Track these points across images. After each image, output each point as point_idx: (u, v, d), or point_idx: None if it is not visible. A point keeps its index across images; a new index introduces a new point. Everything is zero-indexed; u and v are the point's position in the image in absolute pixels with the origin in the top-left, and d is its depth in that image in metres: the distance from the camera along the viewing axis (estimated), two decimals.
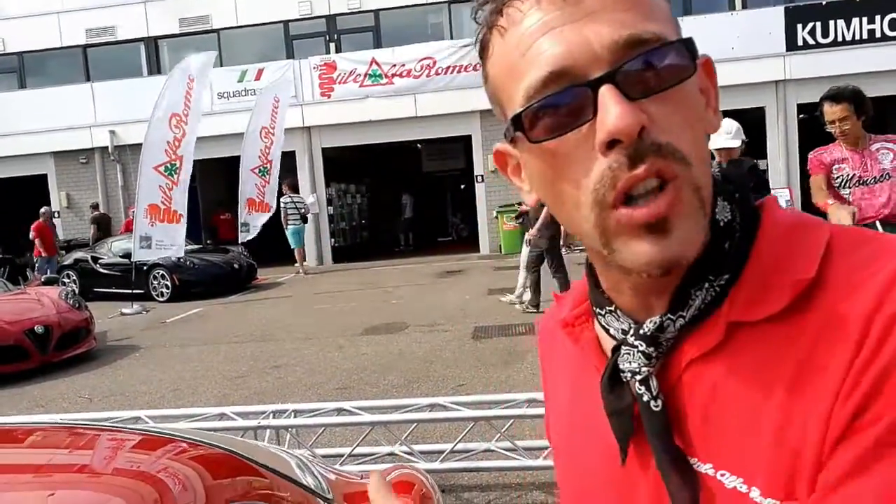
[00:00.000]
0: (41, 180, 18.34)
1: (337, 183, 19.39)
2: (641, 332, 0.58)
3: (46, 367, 7.70)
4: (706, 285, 0.56)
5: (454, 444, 3.81)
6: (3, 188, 17.76)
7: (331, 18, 17.52)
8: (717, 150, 4.14)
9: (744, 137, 4.63)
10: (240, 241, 13.97)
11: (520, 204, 16.18)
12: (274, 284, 14.15)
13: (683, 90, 0.53)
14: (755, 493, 0.52)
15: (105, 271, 13.40)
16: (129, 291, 12.02)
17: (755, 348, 0.54)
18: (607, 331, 0.63)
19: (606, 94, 0.51)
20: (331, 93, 16.83)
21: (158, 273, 12.65)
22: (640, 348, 0.58)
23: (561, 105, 0.53)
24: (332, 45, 17.53)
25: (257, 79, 16.69)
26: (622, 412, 0.59)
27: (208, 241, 14.81)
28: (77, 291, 10.86)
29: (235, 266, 13.46)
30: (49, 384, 7.22)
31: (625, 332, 0.60)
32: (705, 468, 0.55)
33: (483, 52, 0.60)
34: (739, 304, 0.55)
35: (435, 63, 16.26)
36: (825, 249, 0.54)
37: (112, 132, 17.60)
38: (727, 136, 4.18)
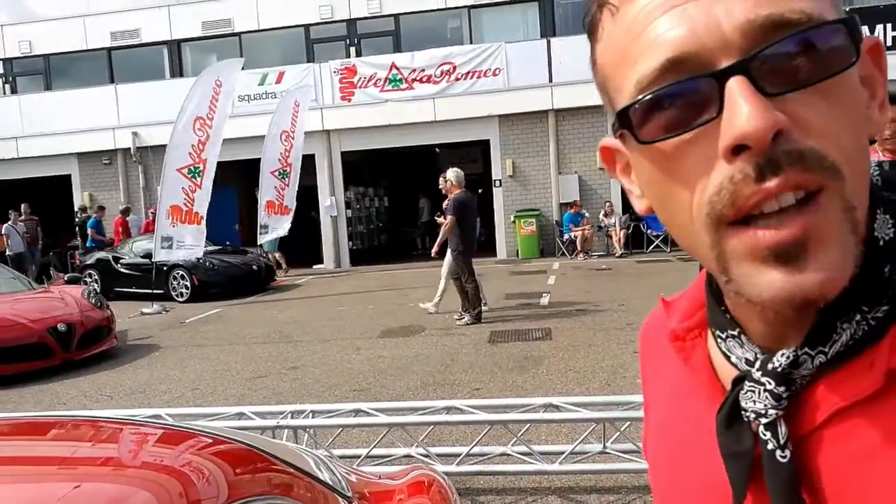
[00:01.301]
0: (65, 180, 18.63)
1: (355, 186, 19.49)
2: (770, 366, 0.48)
3: (69, 364, 7.82)
4: (858, 317, 0.46)
5: (470, 447, 3.82)
6: (28, 188, 18.05)
7: (351, 22, 17.64)
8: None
9: None
10: (258, 243, 14.09)
11: (531, 210, 16.15)
12: (292, 286, 14.24)
13: (841, 82, 0.43)
14: None
15: (126, 271, 13.58)
16: (150, 291, 12.16)
17: None
18: (727, 357, 0.53)
19: (736, 87, 0.42)
20: (351, 97, 16.93)
21: (178, 273, 12.79)
22: (769, 386, 0.48)
23: (678, 99, 0.44)
24: (353, 49, 17.65)
25: (278, 82, 16.84)
26: (741, 456, 0.50)
27: (227, 243, 14.96)
28: (98, 290, 11.01)
29: (254, 267, 13.58)
30: (71, 381, 7.33)
31: (749, 363, 0.50)
32: None
33: (591, 34, 0.51)
34: None
35: (455, 68, 16.31)
36: None
37: (135, 133, 17.84)
38: None
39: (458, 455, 3.82)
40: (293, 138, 14.31)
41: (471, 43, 16.80)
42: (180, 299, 12.73)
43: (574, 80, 14.66)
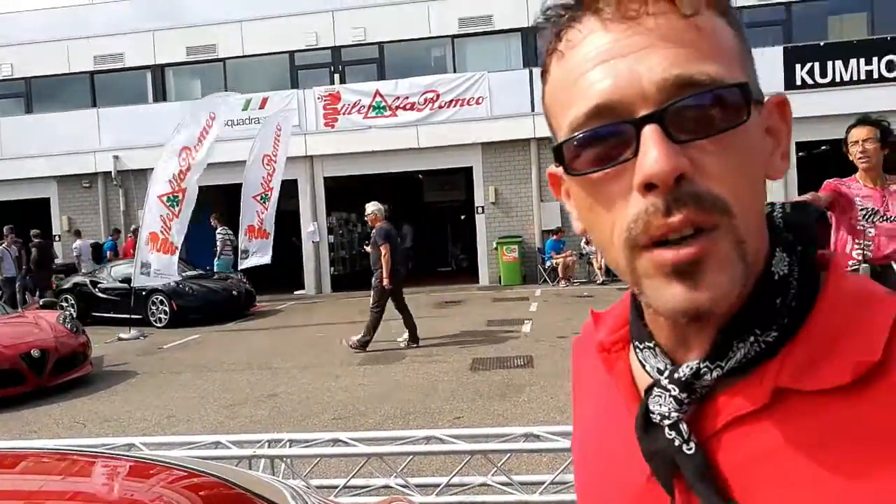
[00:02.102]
0: (43, 204, 18.41)
1: (338, 211, 19.46)
2: (676, 375, 0.56)
3: (41, 391, 7.65)
4: (751, 339, 0.54)
5: (450, 477, 3.77)
6: (4, 211, 17.82)
7: (336, 50, 17.77)
8: None
9: None
10: (239, 269, 13.98)
11: (517, 237, 16.23)
12: (272, 312, 14.11)
13: (740, 134, 0.51)
14: None
15: (104, 296, 13.39)
16: (128, 316, 11.99)
17: (809, 419, 0.51)
18: (643, 365, 0.61)
19: (649, 134, 0.49)
20: (334, 123, 16.99)
21: (157, 298, 12.64)
22: (673, 392, 0.56)
23: (603, 139, 0.52)
24: (337, 76, 17.75)
25: (262, 107, 16.85)
26: (659, 454, 0.57)
27: (207, 268, 14.83)
28: (75, 315, 10.84)
29: (234, 293, 13.45)
30: (43, 409, 7.17)
31: (660, 372, 0.58)
32: None
33: (543, 75, 0.58)
34: (791, 371, 0.53)
35: (438, 96, 16.45)
36: (892, 327, 0.51)
37: (116, 157, 17.72)
38: None
39: (438, 485, 3.77)
40: (275, 162, 14.30)
41: (454, 71, 16.98)
42: (159, 325, 12.55)
43: None
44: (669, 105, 0.50)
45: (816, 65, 15.46)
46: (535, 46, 16.97)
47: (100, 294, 13.46)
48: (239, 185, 13.97)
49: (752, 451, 0.53)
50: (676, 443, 0.55)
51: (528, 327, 10.19)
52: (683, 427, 0.55)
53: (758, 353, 0.54)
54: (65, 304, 13.27)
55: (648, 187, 0.50)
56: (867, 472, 0.48)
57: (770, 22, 16.53)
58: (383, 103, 16.70)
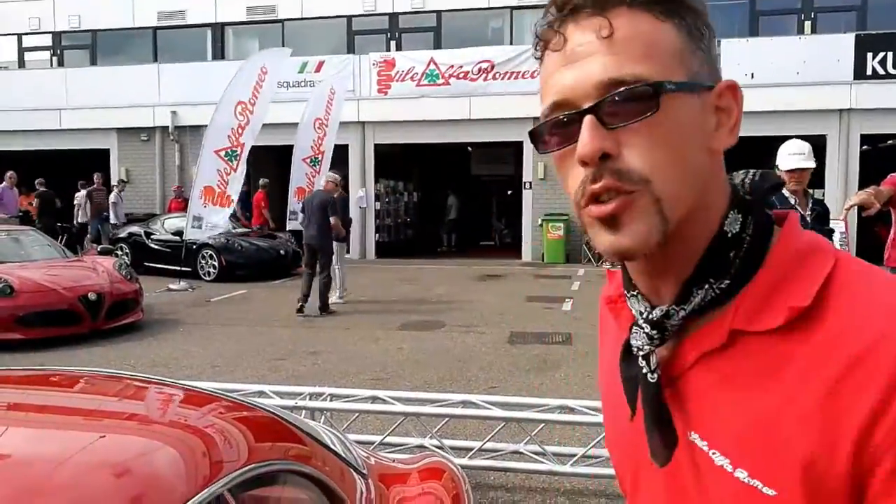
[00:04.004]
0: (103, 155, 18.98)
1: (385, 179, 19.57)
2: (650, 317, 0.70)
3: (96, 333, 8.00)
4: (706, 286, 0.67)
5: (484, 442, 3.85)
6: (66, 160, 18.44)
7: (393, 16, 17.72)
8: (790, 171, 3.99)
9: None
10: (288, 228, 14.22)
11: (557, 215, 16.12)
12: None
13: (664, 120, 0.63)
14: (741, 474, 0.63)
15: (156, 247, 13.81)
16: (178, 268, 12.36)
17: (756, 356, 0.64)
18: (631, 309, 0.74)
19: (585, 123, 0.64)
20: (388, 90, 17.00)
21: (207, 253, 12.98)
22: (646, 330, 0.70)
23: (560, 126, 0.67)
24: (393, 43, 17.72)
25: (317, 71, 16.97)
26: (631, 379, 0.72)
27: (257, 226, 15.15)
28: (129, 264, 11.22)
29: (281, 252, 13.71)
30: (97, 350, 7.50)
31: (641, 315, 0.71)
32: (701, 444, 0.67)
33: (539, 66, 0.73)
34: (742, 314, 0.65)
35: (493, 67, 16.29)
36: (827, 277, 0.63)
37: (174, 112, 18.12)
38: (800, 156, 4.01)
39: (471, 449, 3.85)
40: (327, 126, 14.41)
41: (511, 44, 16.78)
42: (207, 278, 12.91)
43: None
44: (603, 100, 0.63)
45: (889, 54, 14.81)
46: None
47: (152, 245, 13.88)
48: (291, 147, 14.16)
49: (712, 379, 0.66)
50: (644, 371, 0.69)
51: (569, 305, 10.18)
52: (653, 358, 0.69)
53: (713, 297, 0.67)
54: (119, 252, 13.74)
55: (583, 163, 0.64)
56: (792, 398, 0.61)
57: (845, 7, 15.87)
58: (437, 71, 16.62)
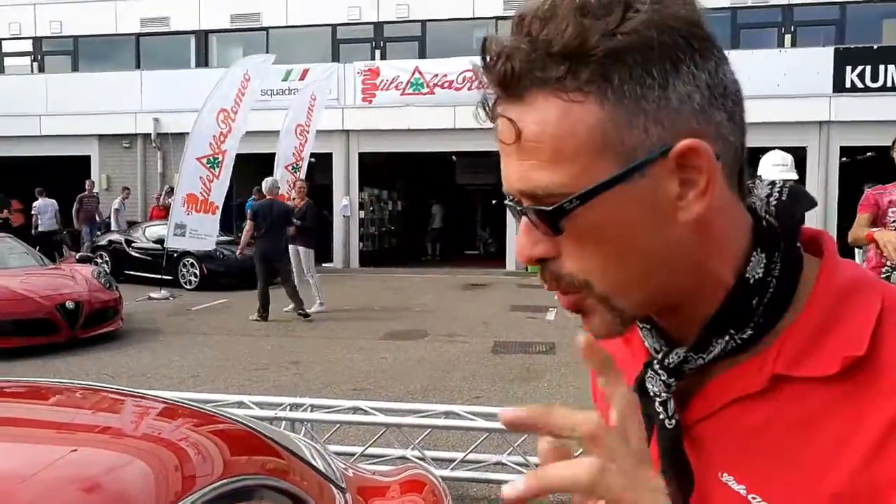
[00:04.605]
0: (84, 161, 18.78)
1: (370, 188, 19.54)
2: (666, 362, 0.64)
3: (74, 342, 7.87)
4: (727, 337, 0.61)
5: (466, 453, 3.82)
6: (47, 166, 18.22)
7: (378, 25, 17.74)
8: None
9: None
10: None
11: None
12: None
13: (595, 219, 0.57)
14: None
15: (137, 255, 13.66)
16: (159, 277, 12.22)
17: (799, 402, 0.58)
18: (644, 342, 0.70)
19: (521, 223, 0.61)
20: (372, 98, 17.00)
21: (188, 261, 12.85)
22: (662, 377, 0.64)
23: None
24: (378, 52, 17.74)
25: (302, 79, 16.90)
26: (646, 417, 0.65)
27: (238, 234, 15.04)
28: (109, 272, 11.08)
29: None
30: (74, 360, 7.37)
31: (657, 351, 0.66)
32: (737, 487, 0.61)
33: None
34: (785, 359, 0.59)
35: (477, 76, 16.33)
36: (878, 319, 0.57)
37: (156, 119, 17.99)
38: (783, 168, 3.97)
39: (454, 460, 3.82)
40: (308, 132, 14.37)
41: None
42: (188, 287, 12.78)
43: None
44: (525, 209, 0.60)
45: (868, 68, 15.05)
46: None
47: (133, 253, 13.73)
48: (271, 155, 14.10)
49: (748, 426, 0.61)
50: (661, 417, 0.64)
51: (553, 315, 10.17)
52: (670, 404, 0.64)
53: (734, 347, 0.61)
54: (99, 260, 13.57)
55: None
56: (839, 449, 0.56)
57: (824, 21, 16.12)
58: (422, 80, 16.66)
